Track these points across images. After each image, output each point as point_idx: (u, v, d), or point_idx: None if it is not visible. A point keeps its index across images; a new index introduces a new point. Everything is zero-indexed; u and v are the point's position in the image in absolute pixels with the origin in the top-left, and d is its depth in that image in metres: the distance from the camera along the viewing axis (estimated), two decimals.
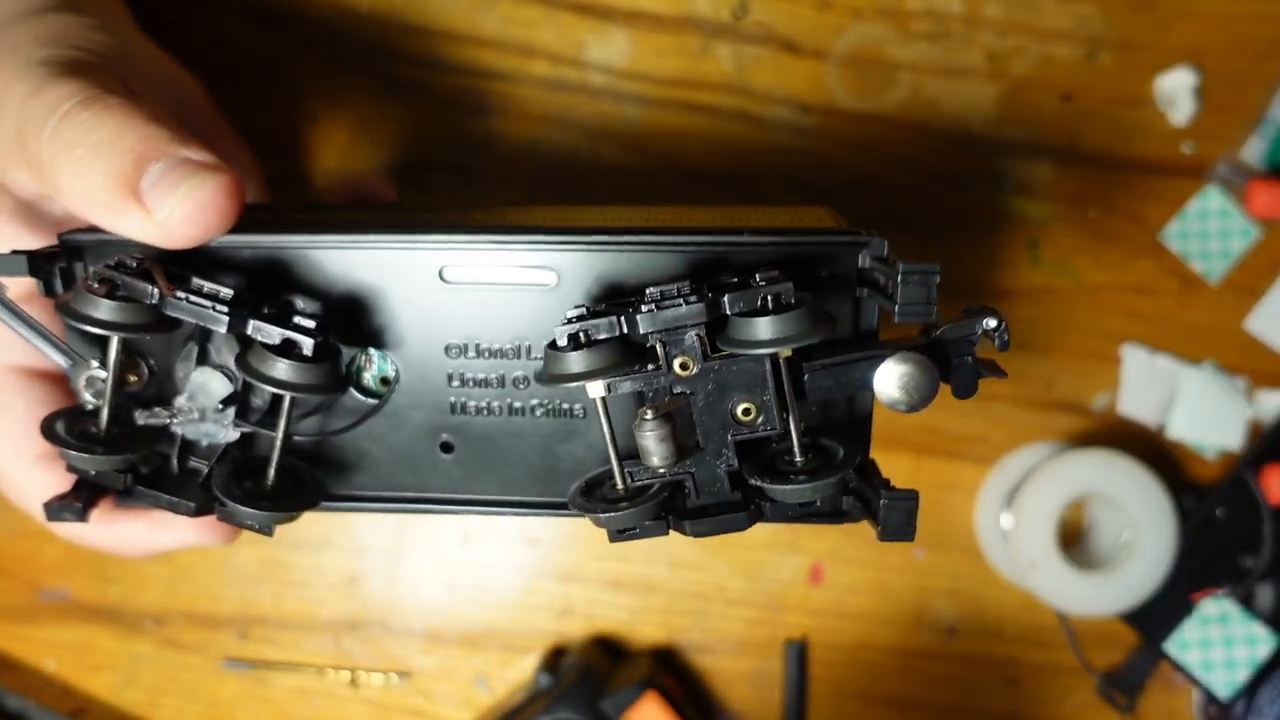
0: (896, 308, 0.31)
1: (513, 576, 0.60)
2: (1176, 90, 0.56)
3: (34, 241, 0.36)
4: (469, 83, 0.55)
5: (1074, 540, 0.60)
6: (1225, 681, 0.59)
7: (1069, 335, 0.58)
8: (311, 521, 0.59)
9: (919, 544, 0.60)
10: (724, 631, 0.60)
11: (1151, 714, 0.61)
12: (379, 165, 0.56)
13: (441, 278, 0.35)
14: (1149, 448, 0.58)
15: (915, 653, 0.60)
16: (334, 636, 0.60)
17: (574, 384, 0.31)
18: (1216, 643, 0.58)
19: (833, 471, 0.32)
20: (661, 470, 0.33)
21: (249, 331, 0.32)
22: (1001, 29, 0.55)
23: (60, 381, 0.40)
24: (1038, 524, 0.57)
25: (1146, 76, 0.56)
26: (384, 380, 0.36)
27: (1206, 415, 0.58)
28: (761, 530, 0.59)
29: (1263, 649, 0.58)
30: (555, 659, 0.60)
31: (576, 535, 0.60)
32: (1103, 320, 0.58)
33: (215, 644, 0.60)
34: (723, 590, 0.60)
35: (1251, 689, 0.59)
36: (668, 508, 0.33)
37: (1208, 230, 0.57)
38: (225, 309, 0.31)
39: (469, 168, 0.56)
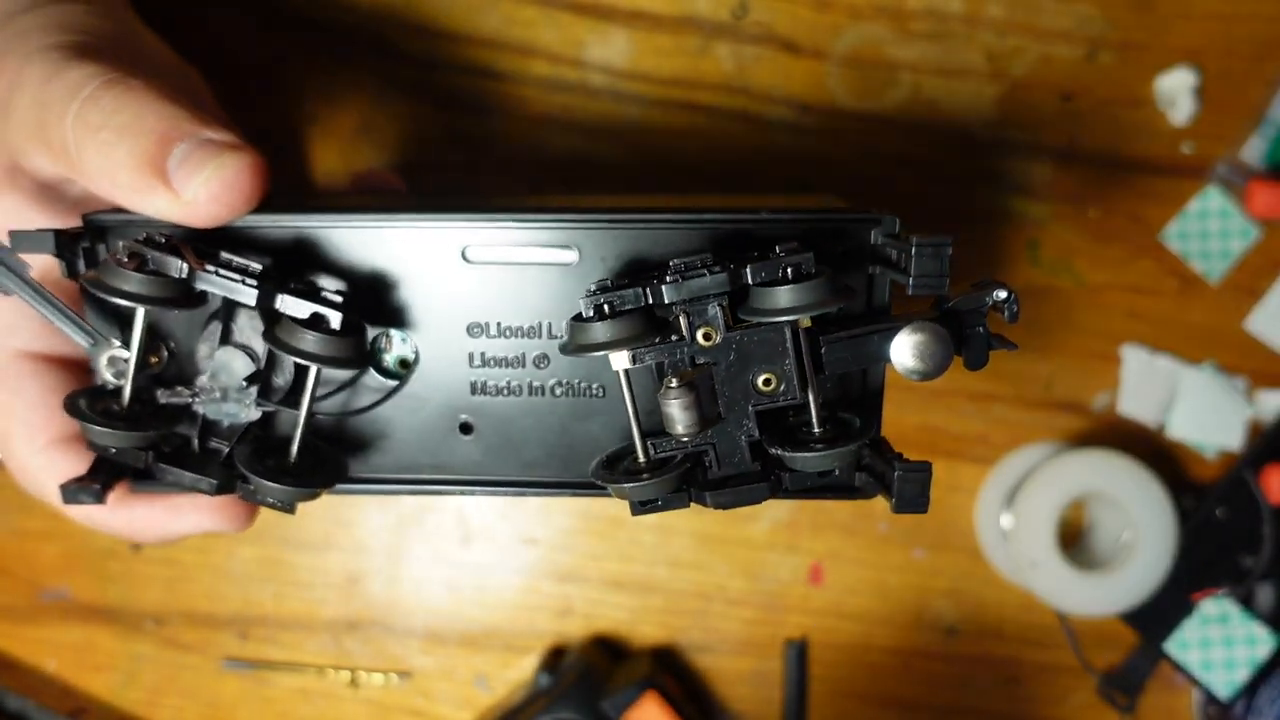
0: (911, 280, 0.32)
1: (513, 576, 0.60)
2: (1176, 90, 0.56)
3: (52, 223, 0.37)
4: (469, 83, 0.56)
5: (1074, 540, 0.61)
6: (1225, 681, 0.59)
7: (1069, 335, 0.58)
8: (312, 521, 0.60)
9: (919, 544, 0.60)
10: (724, 631, 0.60)
11: (1151, 714, 0.61)
12: (379, 165, 0.56)
13: (464, 257, 0.36)
14: (1149, 448, 0.59)
15: (915, 653, 0.61)
16: (334, 636, 0.60)
17: (599, 353, 0.32)
18: (1216, 643, 0.58)
19: (852, 439, 0.33)
20: (685, 439, 0.33)
21: (277, 305, 0.33)
22: (1001, 29, 0.55)
23: (70, 367, 0.40)
24: (1038, 524, 0.57)
25: (1146, 76, 0.56)
26: (403, 363, 0.37)
27: (1206, 415, 0.58)
28: (761, 530, 0.60)
29: (1263, 649, 0.58)
30: (555, 659, 0.60)
31: (576, 535, 0.60)
32: (1103, 320, 0.58)
33: (215, 644, 0.60)
34: (723, 590, 0.60)
35: (1251, 689, 0.59)
36: (689, 480, 0.34)
37: (1208, 230, 0.57)
38: (255, 282, 0.32)
39: (469, 168, 0.56)
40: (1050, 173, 0.57)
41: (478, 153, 0.56)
